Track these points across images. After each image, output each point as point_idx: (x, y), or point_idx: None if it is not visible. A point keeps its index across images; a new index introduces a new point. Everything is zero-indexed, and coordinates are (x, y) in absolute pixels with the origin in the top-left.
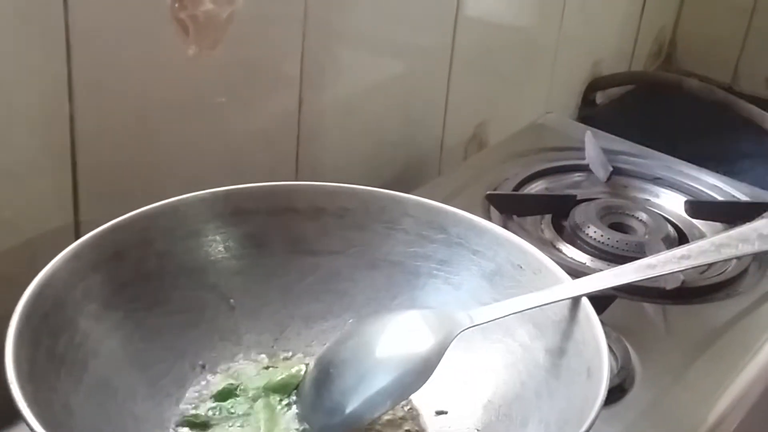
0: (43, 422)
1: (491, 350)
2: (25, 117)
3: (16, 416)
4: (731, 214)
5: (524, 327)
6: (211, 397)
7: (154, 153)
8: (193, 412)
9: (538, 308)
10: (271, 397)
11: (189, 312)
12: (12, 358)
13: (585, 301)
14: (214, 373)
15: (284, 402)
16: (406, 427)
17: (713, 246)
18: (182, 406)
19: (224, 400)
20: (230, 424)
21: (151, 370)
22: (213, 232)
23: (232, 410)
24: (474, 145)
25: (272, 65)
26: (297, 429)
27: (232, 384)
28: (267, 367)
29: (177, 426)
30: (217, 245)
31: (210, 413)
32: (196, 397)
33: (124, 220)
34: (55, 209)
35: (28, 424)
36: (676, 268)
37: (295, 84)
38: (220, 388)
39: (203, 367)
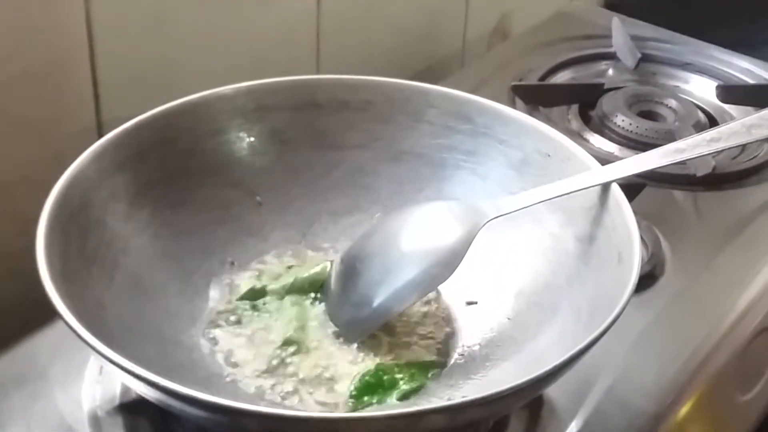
0: (78, 317)
1: (521, 239)
2: (42, 18)
3: (50, 315)
4: (764, 97)
5: (554, 215)
6: (240, 298)
7: (173, 50)
8: (225, 309)
9: (567, 196)
10: (299, 295)
11: (215, 210)
12: (44, 257)
13: (615, 187)
14: (243, 270)
15: (312, 299)
16: (436, 319)
17: (744, 127)
18: (212, 305)
19: (253, 299)
20: (261, 321)
21: (181, 267)
22: (236, 128)
23: (263, 308)
24: (497, 36)
25: None
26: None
27: (259, 284)
28: (291, 267)
29: (208, 328)
30: (241, 142)
31: (240, 311)
32: (227, 295)
33: (146, 118)
34: (76, 110)
35: (63, 319)
36: (705, 151)
37: None
38: (248, 288)
39: (232, 264)
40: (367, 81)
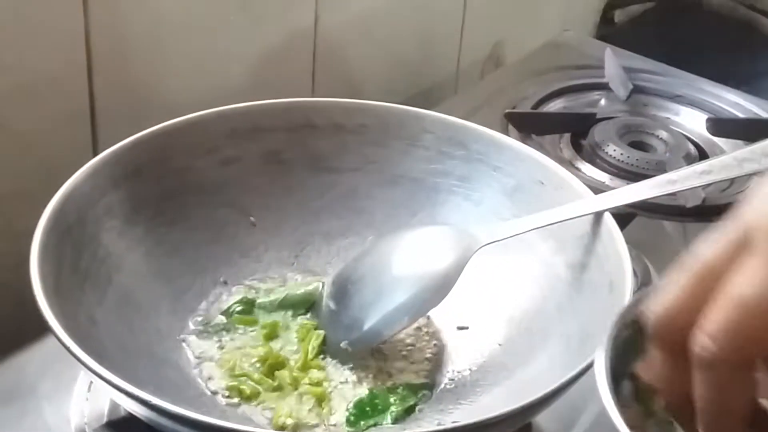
0: (70, 334)
1: (513, 266)
2: (41, 34)
3: (43, 330)
4: (753, 131)
5: (546, 242)
6: (223, 312)
7: (169, 70)
8: (214, 324)
9: (559, 224)
10: (290, 312)
11: (210, 229)
12: (37, 272)
13: (607, 215)
14: (236, 290)
15: (301, 318)
16: (426, 343)
17: (735, 161)
18: (203, 323)
19: (243, 312)
20: (253, 341)
21: (174, 285)
22: (232, 148)
23: (246, 322)
24: (491, 64)
25: None
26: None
27: (248, 298)
28: (283, 285)
29: (198, 346)
30: (236, 162)
31: (231, 330)
32: (218, 312)
33: (142, 136)
34: (72, 126)
35: (56, 335)
36: (697, 183)
37: (311, 0)
38: (235, 300)
39: (225, 283)
40: (363, 104)
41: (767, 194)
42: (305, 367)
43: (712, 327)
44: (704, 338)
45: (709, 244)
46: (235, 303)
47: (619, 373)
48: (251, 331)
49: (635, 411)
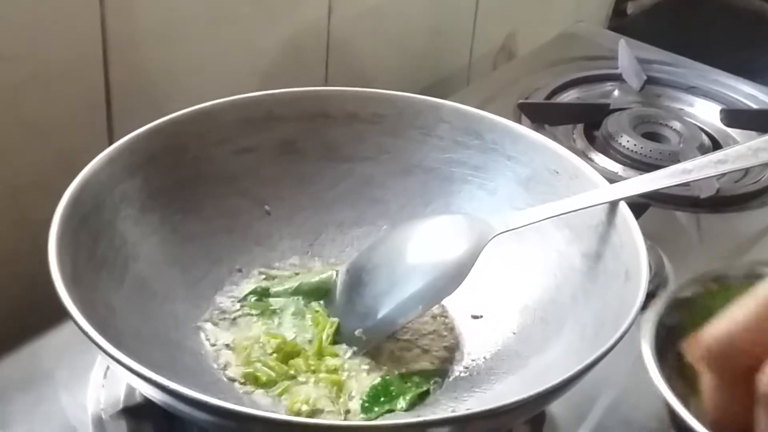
0: (88, 320)
1: (527, 255)
2: (57, 24)
3: (55, 318)
4: (767, 122)
5: (560, 232)
6: (241, 299)
7: (184, 60)
8: (229, 311)
9: (574, 213)
10: (304, 300)
11: (224, 217)
12: (56, 259)
13: (623, 205)
14: (251, 278)
15: (316, 307)
16: (440, 332)
17: (750, 150)
18: (218, 311)
19: (258, 298)
20: (267, 327)
21: (190, 273)
22: (246, 138)
23: (269, 314)
24: (503, 55)
25: None
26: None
27: (263, 286)
28: (297, 273)
29: (212, 331)
30: (251, 151)
31: (246, 316)
32: (233, 299)
33: (158, 125)
34: (87, 115)
35: (75, 321)
36: (712, 172)
37: None
38: (250, 288)
39: (240, 271)
40: (377, 94)
41: None
42: (320, 355)
43: None
44: None
45: None
46: (250, 291)
47: (664, 350)
48: (266, 319)
49: (680, 385)
